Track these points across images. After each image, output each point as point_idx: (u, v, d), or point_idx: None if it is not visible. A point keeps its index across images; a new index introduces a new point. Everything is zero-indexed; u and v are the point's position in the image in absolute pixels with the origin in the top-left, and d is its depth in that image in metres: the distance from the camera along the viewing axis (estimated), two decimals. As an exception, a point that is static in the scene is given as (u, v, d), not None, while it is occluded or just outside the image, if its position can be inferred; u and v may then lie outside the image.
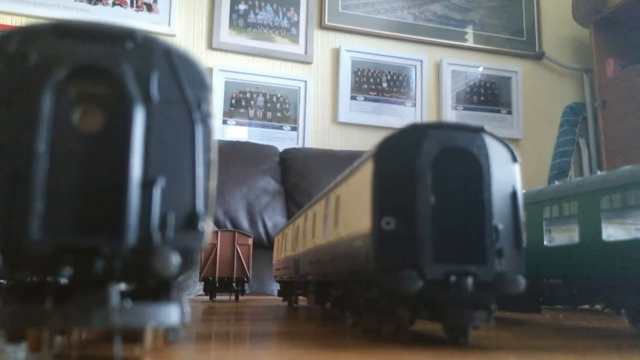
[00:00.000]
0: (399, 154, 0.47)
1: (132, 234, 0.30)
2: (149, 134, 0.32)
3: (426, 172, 0.45)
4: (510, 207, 0.47)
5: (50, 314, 0.30)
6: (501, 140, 0.49)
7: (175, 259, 0.30)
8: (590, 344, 0.54)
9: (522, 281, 0.44)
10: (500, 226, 0.46)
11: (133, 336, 0.33)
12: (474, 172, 0.47)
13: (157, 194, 0.31)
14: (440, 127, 0.48)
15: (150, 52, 0.33)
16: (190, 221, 0.32)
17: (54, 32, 0.32)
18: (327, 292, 0.71)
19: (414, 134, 0.47)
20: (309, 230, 0.75)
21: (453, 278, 0.44)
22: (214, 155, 0.35)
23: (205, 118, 0.33)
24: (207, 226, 0.33)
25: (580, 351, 0.48)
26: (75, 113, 0.32)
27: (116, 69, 0.32)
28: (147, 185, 0.31)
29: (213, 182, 0.35)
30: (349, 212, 0.54)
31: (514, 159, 0.49)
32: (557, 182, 0.71)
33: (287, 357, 0.41)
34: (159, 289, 0.33)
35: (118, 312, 0.29)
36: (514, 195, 0.47)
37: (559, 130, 3.25)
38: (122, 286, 0.32)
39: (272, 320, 0.76)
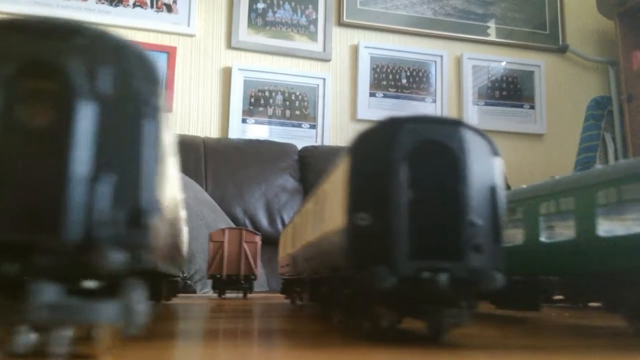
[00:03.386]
0: (375, 148, 0.46)
1: (74, 231, 0.30)
2: (96, 129, 0.32)
3: (401, 167, 0.44)
4: (490, 201, 0.46)
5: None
6: (481, 133, 0.47)
7: (116, 256, 0.30)
8: (584, 343, 0.52)
9: (498, 277, 0.43)
10: (479, 221, 0.45)
11: (90, 334, 0.33)
12: (452, 165, 0.45)
13: (102, 189, 0.31)
14: (417, 120, 0.46)
15: (99, 46, 0.33)
16: (137, 217, 0.31)
17: (3, 29, 0.32)
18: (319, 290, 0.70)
19: (390, 127, 0.46)
20: (304, 226, 0.74)
21: (426, 274, 0.42)
22: (170, 149, 0.35)
23: (155, 112, 0.33)
24: (156, 223, 0.32)
25: (576, 350, 0.46)
26: (24, 109, 0.32)
27: (64, 64, 0.32)
28: (91, 180, 0.31)
29: (165, 178, 0.34)
30: (330, 208, 0.53)
31: (495, 152, 0.47)
32: (556, 177, 0.69)
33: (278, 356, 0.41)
34: (111, 287, 0.32)
35: (49, 308, 0.29)
36: (493, 189, 0.46)
37: (584, 124, 3.17)
38: (71, 283, 0.32)
39: (266, 318, 0.75)
